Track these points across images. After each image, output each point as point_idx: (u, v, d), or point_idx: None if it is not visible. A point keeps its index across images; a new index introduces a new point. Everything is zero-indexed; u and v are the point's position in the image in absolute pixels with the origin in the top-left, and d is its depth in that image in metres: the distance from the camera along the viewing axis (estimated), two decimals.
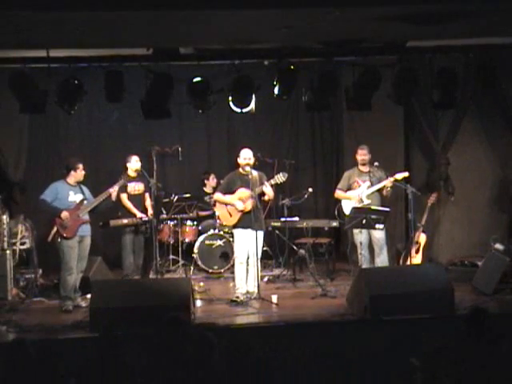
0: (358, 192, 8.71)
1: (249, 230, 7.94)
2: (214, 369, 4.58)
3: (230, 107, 8.18)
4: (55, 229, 7.89)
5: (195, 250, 9.66)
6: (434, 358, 4.77)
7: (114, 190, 8.21)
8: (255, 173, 8.10)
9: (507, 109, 9.46)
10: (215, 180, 10.21)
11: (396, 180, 8.63)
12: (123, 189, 8.79)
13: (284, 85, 7.91)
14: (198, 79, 7.79)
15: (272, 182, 7.97)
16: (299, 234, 9.65)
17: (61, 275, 7.91)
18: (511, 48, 7.97)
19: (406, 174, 8.72)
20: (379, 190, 8.68)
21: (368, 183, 8.70)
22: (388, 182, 8.61)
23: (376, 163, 8.73)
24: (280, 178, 7.92)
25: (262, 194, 8.02)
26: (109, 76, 7.66)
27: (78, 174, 8.04)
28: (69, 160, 8.35)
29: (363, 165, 8.79)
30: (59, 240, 7.85)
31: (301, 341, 6.39)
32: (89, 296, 7.58)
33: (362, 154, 8.77)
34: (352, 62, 8.03)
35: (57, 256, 8.04)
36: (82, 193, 8.08)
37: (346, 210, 8.71)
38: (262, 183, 7.99)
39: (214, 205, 9.19)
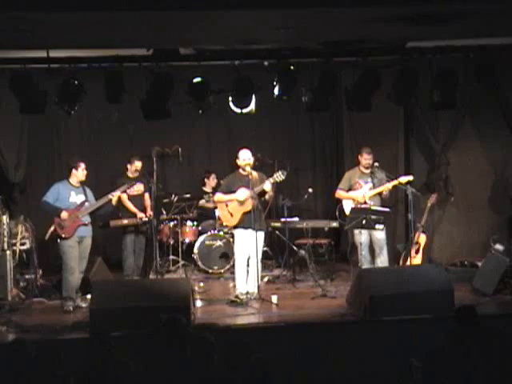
0: (360, 193, 8.70)
1: (249, 231, 7.93)
2: (214, 369, 4.58)
3: (230, 107, 8.19)
4: (52, 228, 7.89)
5: (195, 250, 9.65)
6: (434, 358, 4.77)
7: (115, 196, 8.18)
8: (255, 173, 8.10)
9: (507, 109, 9.46)
10: (215, 180, 10.21)
11: (400, 183, 8.64)
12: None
13: (284, 85, 7.92)
14: (198, 79, 7.80)
15: (271, 180, 7.95)
16: (299, 235, 9.64)
17: (62, 275, 7.91)
18: (511, 48, 7.97)
19: (411, 178, 8.71)
20: (379, 192, 8.69)
21: (370, 184, 8.69)
22: (392, 185, 8.62)
23: (376, 163, 8.73)
24: (279, 176, 7.90)
25: (262, 193, 8.01)
26: (109, 76, 7.67)
27: (80, 173, 8.01)
28: (70, 159, 8.35)
29: (366, 168, 8.77)
30: (58, 240, 7.85)
31: (301, 341, 6.39)
32: (89, 296, 7.58)
33: (368, 158, 8.71)
34: (352, 63, 8.03)
35: (57, 256, 8.05)
36: (85, 194, 8.05)
37: (347, 211, 8.70)
38: (262, 183, 7.98)
39: (215, 206, 9.19)
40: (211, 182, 10.27)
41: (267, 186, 7.87)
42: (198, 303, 8.00)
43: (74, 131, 10.56)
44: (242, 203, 8.01)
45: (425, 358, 4.81)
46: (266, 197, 8.05)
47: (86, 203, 8.00)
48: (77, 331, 6.88)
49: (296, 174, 10.74)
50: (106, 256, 9.44)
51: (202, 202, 10.00)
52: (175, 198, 9.87)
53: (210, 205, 9.78)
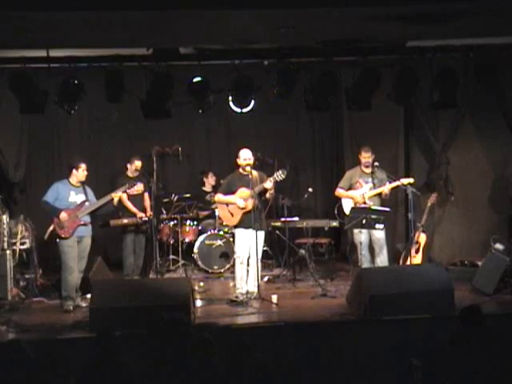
0: (360, 192, 8.70)
1: (250, 230, 7.92)
2: (214, 369, 4.58)
3: (230, 107, 8.19)
4: (52, 227, 7.89)
5: (195, 249, 9.66)
6: (434, 357, 4.77)
7: (116, 196, 8.17)
8: (255, 172, 8.10)
9: (507, 109, 9.46)
10: (214, 177, 10.22)
11: (402, 184, 8.66)
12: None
13: (284, 85, 7.92)
14: (198, 79, 7.81)
15: (271, 179, 7.95)
16: (299, 234, 9.64)
17: (61, 275, 7.91)
18: (511, 48, 7.97)
19: (412, 180, 8.71)
20: (379, 192, 8.69)
21: (370, 184, 8.69)
22: (393, 185, 8.63)
23: (376, 163, 8.73)
24: (280, 175, 7.88)
25: (263, 193, 8.01)
26: (109, 76, 7.67)
27: (80, 173, 7.99)
28: (72, 158, 8.34)
29: (367, 166, 8.78)
30: (57, 240, 7.85)
31: (301, 341, 6.39)
32: (89, 296, 7.58)
33: (366, 157, 8.73)
34: (352, 62, 8.03)
35: (57, 256, 8.05)
36: (85, 194, 8.03)
37: (346, 210, 8.71)
38: (262, 182, 7.98)
39: (214, 204, 9.18)
40: (210, 180, 10.27)
41: (268, 183, 7.86)
42: (198, 303, 7.99)
43: (74, 131, 10.56)
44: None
45: (425, 357, 4.81)
46: (267, 195, 8.04)
47: (86, 203, 7.99)
48: (76, 331, 6.89)
49: (296, 174, 10.75)
50: (106, 256, 9.45)
51: (206, 197, 10.01)
52: (175, 198, 9.88)
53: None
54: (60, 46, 7.36)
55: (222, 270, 9.60)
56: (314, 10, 6.05)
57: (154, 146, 9.57)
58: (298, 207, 10.14)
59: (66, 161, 9.08)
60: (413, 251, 8.76)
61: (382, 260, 8.65)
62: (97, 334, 5.07)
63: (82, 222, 7.89)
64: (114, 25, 6.44)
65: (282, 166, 8.91)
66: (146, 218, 8.90)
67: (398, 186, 8.76)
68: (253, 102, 8.15)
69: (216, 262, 9.64)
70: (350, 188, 8.86)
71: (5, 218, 8.35)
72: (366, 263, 8.64)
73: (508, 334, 5.12)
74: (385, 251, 8.68)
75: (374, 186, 8.69)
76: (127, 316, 6.68)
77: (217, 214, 9.54)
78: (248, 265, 8.07)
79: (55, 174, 9.97)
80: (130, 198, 8.96)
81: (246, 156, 8.06)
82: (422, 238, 8.92)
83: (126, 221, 8.88)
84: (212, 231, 9.75)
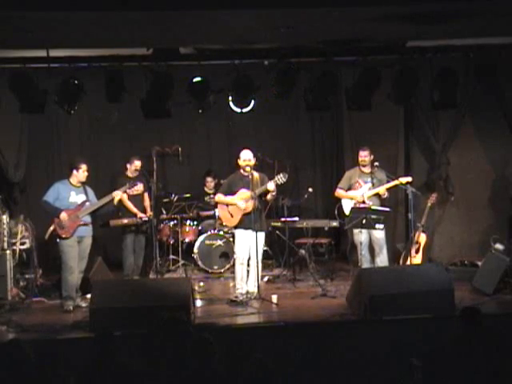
0: (359, 192, 8.71)
1: (250, 231, 7.92)
2: (214, 369, 4.58)
3: (230, 107, 8.20)
4: (52, 227, 7.89)
5: (195, 249, 9.65)
6: (434, 358, 4.77)
7: (117, 195, 8.17)
8: (256, 174, 8.09)
9: (507, 109, 9.46)
10: (213, 183, 10.20)
11: (401, 183, 8.66)
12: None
13: (284, 85, 7.92)
14: (198, 79, 7.81)
15: (273, 182, 7.93)
16: (299, 234, 9.64)
17: (62, 275, 7.91)
18: (511, 48, 7.97)
19: (410, 179, 8.73)
20: (378, 192, 8.69)
21: (369, 184, 8.70)
22: (392, 185, 8.63)
23: (376, 163, 8.73)
24: (281, 178, 7.88)
25: (264, 194, 8.00)
26: (109, 76, 7.67)
27: (80, 174, 8.00)
28: (73, 159, 8.34)
29: (364, 166, 8.79)
30: (58, 240, 7.85)
31: (301, 341, 6.39)
32: (89, 296, 7.58)
33: (363, 156, 8.76)
34: (352, 62, 8.04)
35: (57, 256, 8.06)
36: (86, 194, 8.04)
37: (346, 210, 8.71)
38: (263, 184, 7.97)
39: (215, 206, 9.18)
40: (209, 185, 10.26)
41: (271, 185, 7.84)
42: (198, 303, 8.00)
43: (73, 131, 10.54)
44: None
45: (425, 357, 4.81)
46: (269, 197, 8.02)
47: (87, 203, 7.99)
48: (76, 331, 6.90)
49: (296, 174, 10.73)
50: (106, 256, 9.44)
51: (206, 198, 10.01)
52: (175, 198, 9.88)
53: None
54: (60, 45, 7.36)
55: (222, 270, 9.60)
56: (313, 10, 6.05)
57: (154, 146, 9.57)
58: (298, 207, 10.14)
59: (66, 161, 9.08)
60: (413, 251, 8.76)
61: (382, 260, 8.65)
62: (96, 334, 5.07)
63: (82, 222, 7.90)
64: (114, 25, 6.44)
65: (282, 168, 8.91)
66: (146, 218, 8.89)
67: (395, 186, 8.76)
68: (253, 102, 8.16)
69: (216, 262, 9.64)
70: (349, 188, 8.87)
71: (5, 218, 8.35)
72: (366, 263, 8.64)
73: (508, 334, 5.12)
74: (385, 251, 8.69)
75: (373, 186, 8.69)
76: (127, 316, 6.69)
77: (217, 214, 9.54)
78: (248, 265, 8.07)
79: (55, 174, 9.96)
80: (130, 198, 8.94)
81: (246, 157, 8.05)
82: (422, 238, 8.92)
83: (126, 221, 8.87)
84: (212, 231, 9.75)
